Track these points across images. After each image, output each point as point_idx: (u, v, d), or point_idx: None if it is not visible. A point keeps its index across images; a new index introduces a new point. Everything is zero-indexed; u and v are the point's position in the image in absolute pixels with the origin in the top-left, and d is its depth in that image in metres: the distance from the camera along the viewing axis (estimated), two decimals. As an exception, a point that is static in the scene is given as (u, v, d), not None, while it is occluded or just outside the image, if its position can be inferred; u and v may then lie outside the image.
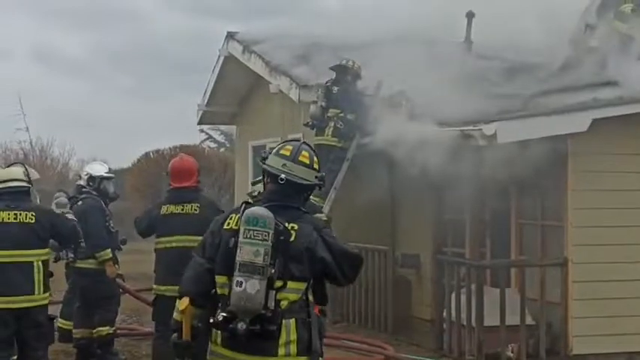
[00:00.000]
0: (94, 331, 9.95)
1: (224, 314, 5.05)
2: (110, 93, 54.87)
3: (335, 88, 12.01)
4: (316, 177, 5.42)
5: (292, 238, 5.16)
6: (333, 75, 12.02)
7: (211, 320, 5.14)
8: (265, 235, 5.02)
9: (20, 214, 8.27)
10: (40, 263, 8.10)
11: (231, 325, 5.00)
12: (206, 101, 17.77)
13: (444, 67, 11.21)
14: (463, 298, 10.10)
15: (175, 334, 5.27)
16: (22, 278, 8.02)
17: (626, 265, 9.44)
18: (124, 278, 10.94)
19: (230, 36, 16.02)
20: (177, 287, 8.08)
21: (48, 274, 8.29)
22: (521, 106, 10.79)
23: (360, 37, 13.25)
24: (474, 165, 9.44)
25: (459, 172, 9.50)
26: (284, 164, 5.25)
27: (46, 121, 53.04)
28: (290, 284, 5.14)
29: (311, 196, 6.55)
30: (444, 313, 10.45)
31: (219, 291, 5.17)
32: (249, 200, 6.43)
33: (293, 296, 5.15)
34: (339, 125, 11.90)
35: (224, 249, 5.17)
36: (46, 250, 8.24)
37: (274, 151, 5.42)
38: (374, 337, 11.28)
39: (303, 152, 5.38)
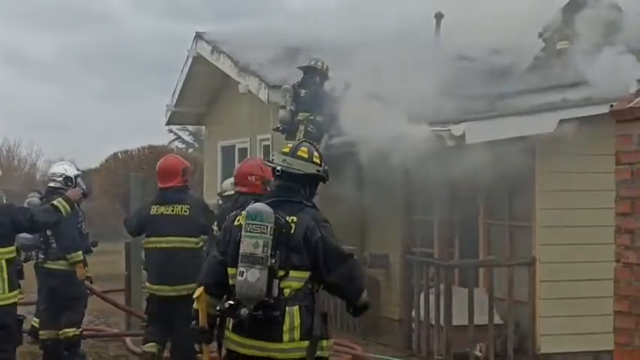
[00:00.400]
0: (60, 332, 10.01)
1: (230, 302, 5.56)
2: (81, 95, 56.48)
3: (303, 91, 12.17)
4: (318, 170, 5.82)
5: (292, 231, 5.60)
6: (300, 76, 12.14)
7: (218, 307, 5.62)
8: (264, 229, 5.46)
9: None
10: (3, 262, 8.03)
11: (236, 312, 5.49)
12: (175, 102, 18.05)
13: (416, 68, 11.34)
14: (431, 297, 10.24)
15: (194, 322, 5.69)
16: None
17: (593, 265, 9.56)
18: (92, 280, 11.07)
19: (199, 36, 16.24)
20: (167, 287, 8.98)
21: (15, 273, 8.24)
22: (489, 107, 10.95)
23: (331, 38, 13.47)
24: (443, 165, 9.62)
25: (428, 172, 9.66)
26: (284, 159, 5.72)
27: (14, 123, 53.17)
28: (292, 273, 5.59)
29: None
30: (413, 313, 10.61)
31: (230, 282, 5.62)
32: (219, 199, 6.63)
33: (296, 284, 5.58)
34: (310, 129, 12.05)
35: (233, 243, 5.62)
36: (10, 248, 8.17)
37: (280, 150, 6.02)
38: (342, 337, 11.26)
39: (302, 148, 5.84)
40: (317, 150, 6.00)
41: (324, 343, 5.74)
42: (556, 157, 10.24)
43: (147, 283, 9.60)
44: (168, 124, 20.61)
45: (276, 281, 5.55)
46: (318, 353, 5.69)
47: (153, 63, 56.64)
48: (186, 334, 7.55)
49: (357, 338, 11.41)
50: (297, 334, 5.63)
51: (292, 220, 5.65)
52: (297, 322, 5.62)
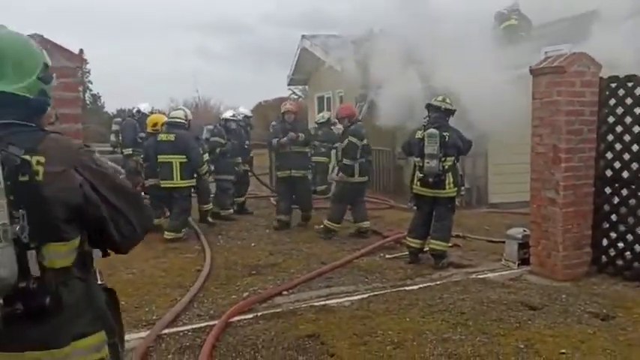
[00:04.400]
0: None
1: (420, 174, 8.03)
2: (243, 71, 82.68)
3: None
4: (445, 106, 7.85)
5: (447, 139, 7.74)
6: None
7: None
8: (436, 140, 7.70)
9: None
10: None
11: (422, 176, 7.88)
12: (292, 72, 25.11)
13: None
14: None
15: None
16: None
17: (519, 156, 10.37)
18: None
19: (303, 36, 22.74)
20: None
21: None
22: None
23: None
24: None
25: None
26: (440, 100, 7.96)
27: (212, 85, 77.74)
28: (447, 159, 7.80)
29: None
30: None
31: (417, 164, 7.99)
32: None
33: (448, 163, 7.83)
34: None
35: (418, 146, 7.92)
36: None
37: (433, 100, 7.92)
38: (384, 196, 15.32)
39: (439, 97, 7.96)
40: (446, 97, 7.79)
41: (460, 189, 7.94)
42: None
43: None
44: (288, 84, 27.37)
45: (441, 164, 7.72)
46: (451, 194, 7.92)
47: (280, 52, 75.64)
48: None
49: (391, 196, 15.09)
50: (451, 185, 7.91)
51: (446, 134, 7.66)
52: (451, 180, 7.92)
